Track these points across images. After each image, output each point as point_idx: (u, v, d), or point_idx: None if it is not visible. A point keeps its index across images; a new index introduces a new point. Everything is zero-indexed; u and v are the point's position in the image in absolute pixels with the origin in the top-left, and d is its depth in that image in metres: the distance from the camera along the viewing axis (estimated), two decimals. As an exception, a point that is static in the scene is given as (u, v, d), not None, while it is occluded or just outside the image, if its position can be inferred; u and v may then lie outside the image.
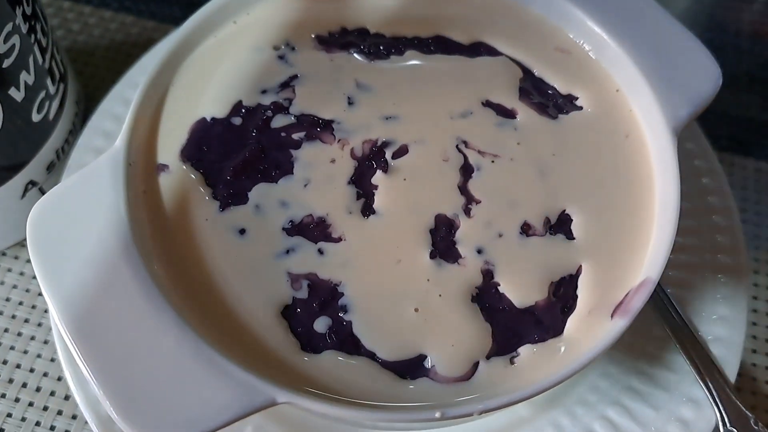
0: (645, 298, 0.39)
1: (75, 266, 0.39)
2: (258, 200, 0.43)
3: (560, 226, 0.43)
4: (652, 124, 0.45)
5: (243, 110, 0.46)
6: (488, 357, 0.39)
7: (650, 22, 0.47)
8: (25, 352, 0.54)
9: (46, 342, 0.54)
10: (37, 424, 0.51)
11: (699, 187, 0.55)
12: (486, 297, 0.41)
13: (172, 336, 0.37)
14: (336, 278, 0.41)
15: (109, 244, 0.39)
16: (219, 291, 0.41)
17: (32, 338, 0.55)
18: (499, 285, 0.41)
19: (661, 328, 0.50)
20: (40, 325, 0.55)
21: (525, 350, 0.39)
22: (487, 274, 0.41)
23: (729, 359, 0.48)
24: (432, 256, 0.42)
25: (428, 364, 0.39)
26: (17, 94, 0.49)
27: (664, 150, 0.43)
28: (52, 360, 0.54)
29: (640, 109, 0.46)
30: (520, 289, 0.41)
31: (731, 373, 0.48)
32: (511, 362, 0.39)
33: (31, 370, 0.53)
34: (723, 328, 0.50)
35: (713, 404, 0.47)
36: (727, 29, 0.69)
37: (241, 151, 0.44)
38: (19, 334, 0.55)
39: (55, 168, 0.55)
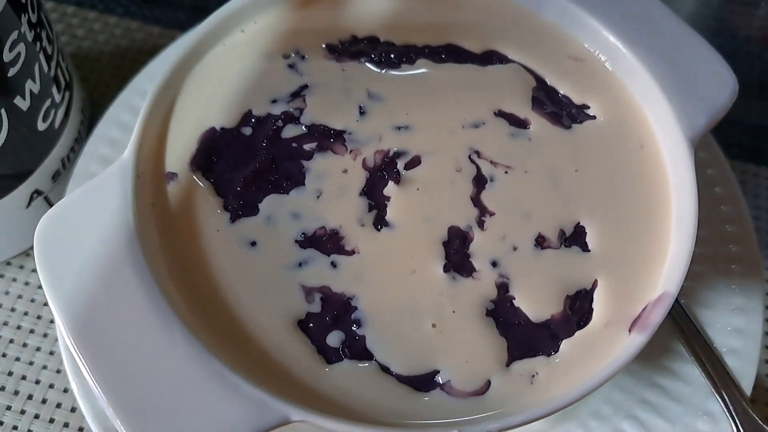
0: (664, 312, 0.39)
1: (82, 279, 0.38)
2: (269, 212, 0.43)
3: (575, 238, 0.42)
4: (668, 134, 0.44)
5: (253, 120, 0.45)
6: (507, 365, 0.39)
7: (665, 30, 0.46)
8: (31, 363, 0.53)
9: (51, 353, 0.54)
10: (43, 436, 0.50)
11: (712, 196, 0.54)
12: (501, 311, 0.40)
13: (181, 351, 0.37)
14: (349, 292, 0.40)
15: (117, 257, 0.39)
16: (230, 304, 0.40)
17: (38, 349, 0.54)
18: (515, 299, 0.40)
19: (676, 340, 0.49)
20: (45, 335, 0.54)
21: (542, 365, 0.39)
22: (502, 288, 0.41)
23: (744, 371, 0.48)
24: (446, 269, 0.41)
25: (442, 379, 0.38)
26: (23, 103, 0.48)
27: (680, 161, 0.43)
28: (58, 371, 0.53)
29: (656, 119, 0.45)
30: (536, 303, 0.40)
31: (747, 386, 0.47)
32: (531, 381, 0.38)
33: (37, 382, 0.53)
34: (738, 340, 0.49)
35: (728, 417, 0.46)
36: (736, 35, 0.69)
37: (252, 162, 0.44)
38: (25, 345, 0.54)
39: (60, 177, 0.55)
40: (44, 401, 0.52)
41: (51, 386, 0.52)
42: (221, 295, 0.40)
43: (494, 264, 0.41)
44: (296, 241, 0.42)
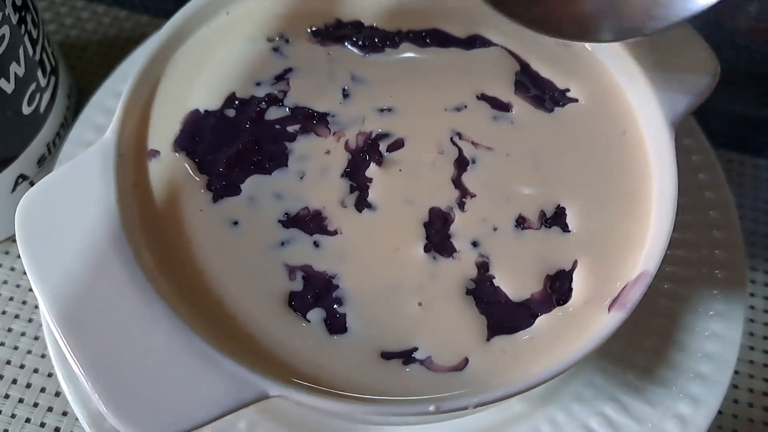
0: (643, 290, 0.39)
1: (64, 259, 0.38)
2: (252, 192, 0.43)
3: (556, 219, 0.42)
4: (649, 116, 0.44)
5: (236, 102, 0.46)
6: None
7: (647, 14, 0.47)
8: (16, 348, 0.53)
9: (36, 338, 0.54)
10: (27, 420, 0.50)
11: (696, 182, 0.54)
12: (481, 290, 0.40)
13: (163, 328, 0.37)
14: (331, 271, 0.40)
15: (99, 236, 0.39)
16: (212, 283, 0.40)
17: (23, 334, 0.54)
18: (495, 278, 0.40)
19: (658, 325, 0.49)
20: (30, 321, 0.54)
21: (521, 342, 0.39)
22: (482, 267, 0.41)
23: (725, 356, 0.48)
24: (426, 249, 0.41)
25: (422, 355, 0.38)
26: (7, 86, 0.48)
27: (661, 142, 0.43)
28: (43, 356, 0.53)
29: (637, 101, 0.45)
30: (516, 282, 0.40)
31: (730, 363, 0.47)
32: (509, 357, 0.39)
33: (22, 367, 0.52)
34: (720, 325, 0.49)
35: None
36: (723, 26, 0.69)
37: (235, 143, 0.44)
38: (9, 330, 0.54)
39: (46, 162, 0.55)
40: (29, 386, 0.52)
41: (35, 371, 0.52)
42: (204, 274, 0.40)
43: (474, 244, 0.41)
44: (279, 221, 0.42)
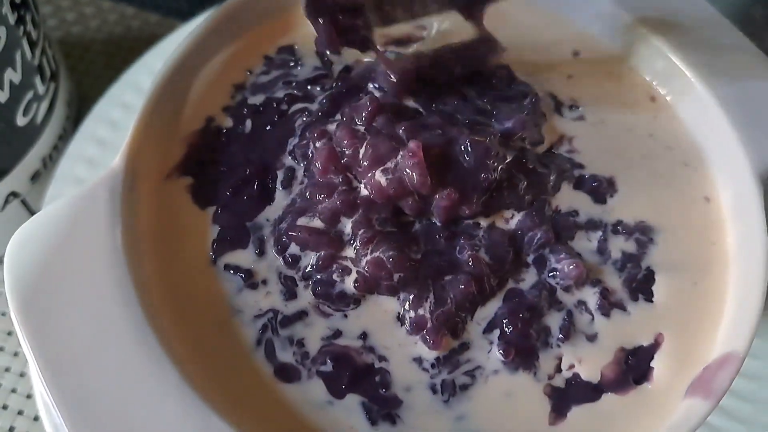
0: (732, 376, 0.34)
1: (60, 310, 0.33)
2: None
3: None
4: (734, 171, 0.39)
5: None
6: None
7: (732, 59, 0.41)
8: (-2, 385, 0.47)
9: (22, 375, 0.48)
10: (8, 470, 0.45)
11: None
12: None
13: (174, 401, 0.31)
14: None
15: (102, 283, 0.33)
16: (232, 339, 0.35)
17: (7, 370, 0.48)
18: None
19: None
20: (16, 354, 0.48)
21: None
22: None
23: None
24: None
25: None
26: (0, 95, 0.43)
27: (747, 201, 0.38)
28: (29, 397, 0.47)
29: (720, 153, 0.40)
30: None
31: None
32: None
33: (4, 407, 0.47)
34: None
35: None
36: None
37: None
38: (-9, 366, 0.48)
39: (40, 178, 0.49)
40: (11, 430, 0.46)
41: (20, 413, 0.47)
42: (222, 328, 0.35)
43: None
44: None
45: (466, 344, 0.35)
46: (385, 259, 0.35)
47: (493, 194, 0.37)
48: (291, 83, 0.43)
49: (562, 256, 0.37)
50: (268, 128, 0.41)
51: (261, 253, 0.37)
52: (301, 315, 0.36)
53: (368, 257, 0.35)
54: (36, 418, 0.46)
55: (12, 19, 0.42)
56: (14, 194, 0.47)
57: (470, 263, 0.36)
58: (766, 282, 0.36)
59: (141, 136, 0.38)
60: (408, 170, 0.35)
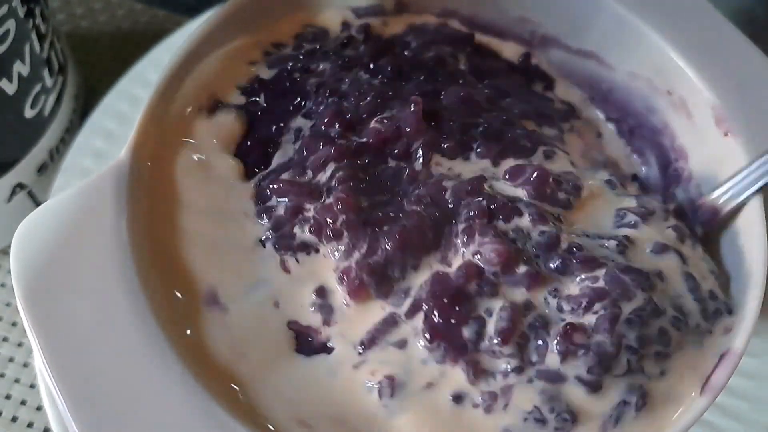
0: (729, 373, 0.34)
1: (66, 299, 0.33)
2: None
3: None
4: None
5: None
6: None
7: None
8: (2, 375, 0.48)
9: (26, 365, 0.48)
10: (11, 459, 0.45)
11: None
12: None
13: (176, 392, 0.32)
14: None
15: (106, 272, 0.34)
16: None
17: (11, 360, 0.48)
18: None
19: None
20: (20, 345, 0.49)
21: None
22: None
23: None
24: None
25: None
26: (9, 87, 0.43)
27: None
28: (32, 387, 0.47)
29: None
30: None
31: None
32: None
33: (8, 397, 0.47)
34: None
35: None
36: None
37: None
38: (-4, 356, 0.48)
39: (47, 170, 0.49)
40: (15, 419, 0.46)
41: (23, 403, 0.47)
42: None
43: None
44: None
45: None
46: (333, 201, 0.36)
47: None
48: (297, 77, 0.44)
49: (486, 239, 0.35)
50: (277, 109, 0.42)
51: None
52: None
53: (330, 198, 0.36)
54: (39, 408, 0.47)
55: (21, 12, 0.43)
56: (21, 185, 0.48)
57: (412, 214, 0.36)
58: (765, 279, 0.36)
59: (147, 128, 0.38)
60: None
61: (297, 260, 0.37)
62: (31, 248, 0.34)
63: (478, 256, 0.35)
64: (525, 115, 0.42)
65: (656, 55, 0.43)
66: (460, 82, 0.42)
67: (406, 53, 0.44)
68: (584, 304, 0.34)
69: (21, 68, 0.43)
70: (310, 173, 0.38)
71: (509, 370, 0.33)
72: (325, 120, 0.39)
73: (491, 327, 0.34)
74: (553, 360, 0.33)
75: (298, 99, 0.42)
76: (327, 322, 0.36)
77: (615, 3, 0.43)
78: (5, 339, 0.49)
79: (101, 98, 0.51)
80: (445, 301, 0.34)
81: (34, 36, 0.44)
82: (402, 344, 0.35)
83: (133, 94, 0.51)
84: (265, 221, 0.38)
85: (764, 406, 0.42)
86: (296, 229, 0.37)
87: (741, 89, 0.40)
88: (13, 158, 0.46)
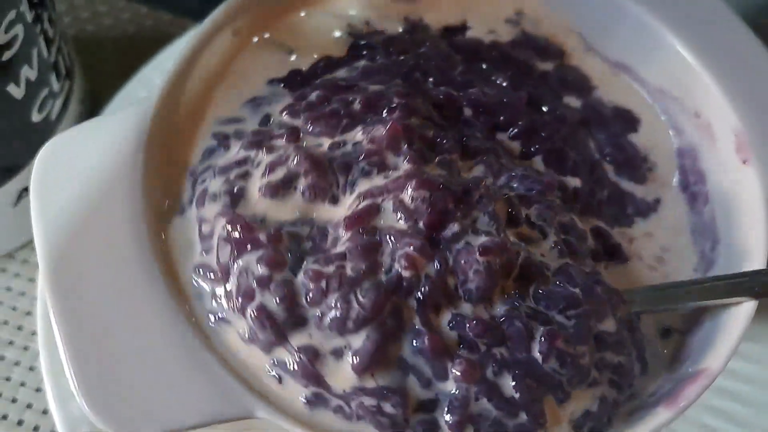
0: (700, 391, 0.34)
1: (74, 221, 0.36)
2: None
3: None
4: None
5: None
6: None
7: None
8: (8, 379, 0.48)
9: (32, 369, 0.48)
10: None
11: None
12: None
13: (160, 320, 0.34)
14: None
15: (116, 204, 0.36)
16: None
17: (16, 364, 0.48)
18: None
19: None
20: (26, 348, 0.49)
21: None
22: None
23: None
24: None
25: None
26: (16, 91, 0.43)
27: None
28: (38, 390, 0.48)
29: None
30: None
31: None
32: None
33: (14, 401, 0.47)
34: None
35: None
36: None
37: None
38: (2, 359, 0.48)
39: (54, 174, 0.49)
40: (20, 423, 0.47)
41: (29, 407, 0.47)
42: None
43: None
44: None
45: None
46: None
47: None
48: None
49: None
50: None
51: None
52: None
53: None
54: (45, 412, 0.47)
55: (30, 17, 0.43)
56: (27, 190, 0.48)
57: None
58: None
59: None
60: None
61: None
62: (50, 168, 0.38)
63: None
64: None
65: (689, 78, 0.43)
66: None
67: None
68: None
69: (29, 73, 0.44)
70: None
71: None
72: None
73: None
74: None
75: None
76: None
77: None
78: (11, 343, 0.49)
79: (107, 102, 0.52)
80: None
81: (41, 41, 0.45)
82: None
83: (138, 98, 0.51)
84: None
85: (765, 410, 0.42)
86: None
87: (765, 116, 0.40)
88: (20, 162, 0.47)
